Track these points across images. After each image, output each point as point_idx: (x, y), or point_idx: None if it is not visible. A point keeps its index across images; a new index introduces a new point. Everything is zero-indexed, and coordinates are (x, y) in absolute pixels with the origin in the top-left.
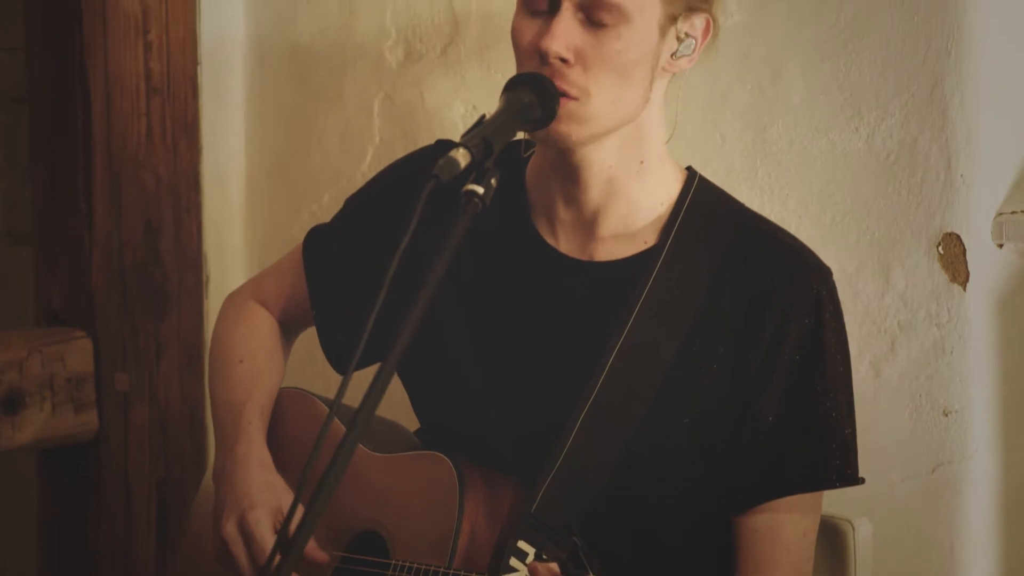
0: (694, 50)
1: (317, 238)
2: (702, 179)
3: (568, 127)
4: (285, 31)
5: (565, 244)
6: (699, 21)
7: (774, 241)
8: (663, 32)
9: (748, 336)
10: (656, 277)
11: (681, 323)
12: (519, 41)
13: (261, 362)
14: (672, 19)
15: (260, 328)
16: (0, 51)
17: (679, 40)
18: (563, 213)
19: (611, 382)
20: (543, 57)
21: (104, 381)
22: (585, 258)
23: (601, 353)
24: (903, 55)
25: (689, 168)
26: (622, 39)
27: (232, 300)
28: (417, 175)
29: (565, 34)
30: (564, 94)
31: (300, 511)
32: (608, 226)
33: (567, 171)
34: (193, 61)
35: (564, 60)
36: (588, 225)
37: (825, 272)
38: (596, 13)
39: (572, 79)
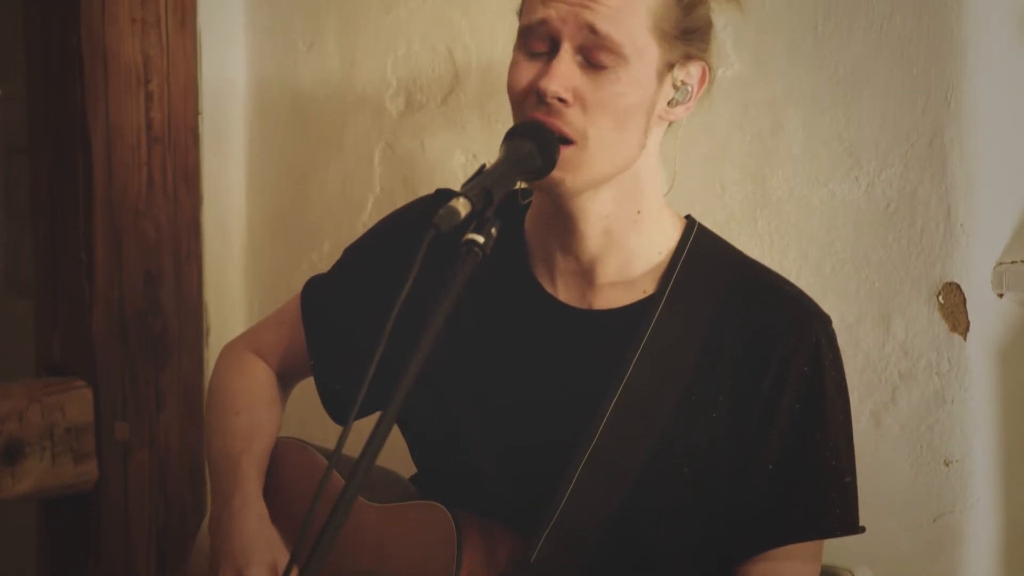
0: (690, 98)
1: (315, 289)
2: (701, 228)
3: (563, 173)
4: (286, 80)
5: (564, 293)
6: (695, 69)
7: (773, 289)
8: (660, 79)
9: (747, 384)
10: (655, 326)
11: (680, 372)
12: (516, 82)
13: (258, 414)
14: (669, 66)
15: (257, 380)
16: (0, 101)
17: (675, 88)
18: (561, 262)
19: (610, 431)
20: (541, 97)
21: (104, 431)
22: (584, 306)
23: (600, 402)
24: (903, 106)
25: (688, 217)
26: (621, 82)
27: (229, 351)
28: (417, 225)
29: (564, 75)
30: (561, 135)
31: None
32: (606, 275)
33: (564, 221)
34: (194, 111)
35: (562, 100)
36: (587, 274)
37: (824, 320)
38: (595, 55)
39: (570, 119)
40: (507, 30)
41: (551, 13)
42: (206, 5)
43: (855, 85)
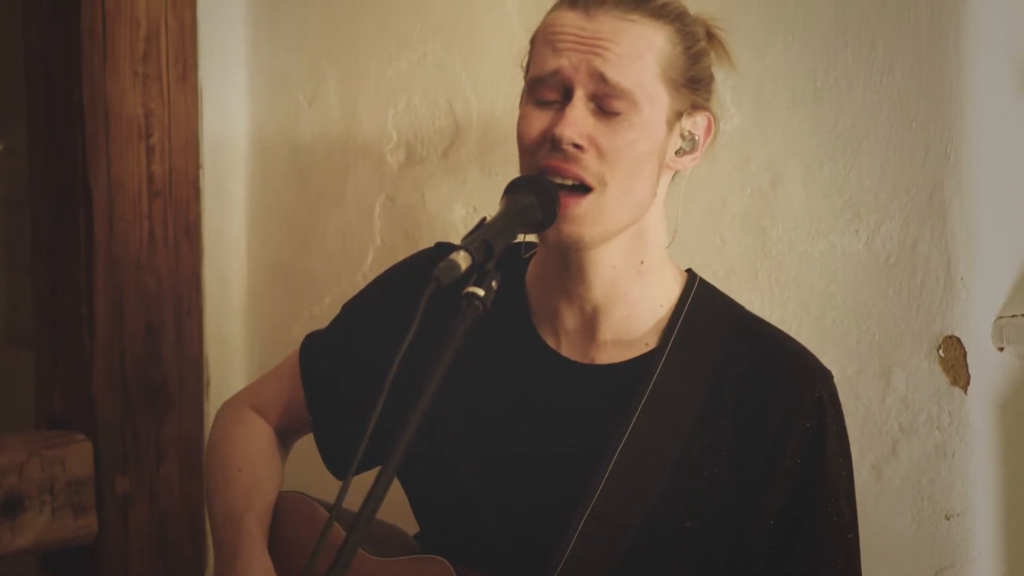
0: (696, 149)
1: (313, 345)
2: (702, 282)
3: (581, 227)
4: (286, 133)
5: (567, 347)
6: (701, 120)
7: (775, 344)
8: (670, 127)
9: (749, 440)
10: (657, 381)
11: (682, 426)
12: (529, 131)
13: (259, 471)
14: (678, 115)
15: (257, 437)
16: (1, 155)
17: (683, 138)
18: (565, 313)
19: (612, 486)
20: (555, 144)
21: (104, 484)
22: (587, 361)
23: (602, 456)
24: (902, 159)
25: (689, 271)
26: (634, 128)
27: (227, 409)
28: (417, 278)
29: (579, 122)
30: (580, 181)
31: None
32: (609, 329)
33: (571, 271)
34: (195, 164)
35: (577, 147)
36: (589, 327)
37: (826, 375)
38: (608, 102)
39: (586, 165)
40: (507, 84)
41: (563, 62)
42: (207, 59)
43: (855, 138)
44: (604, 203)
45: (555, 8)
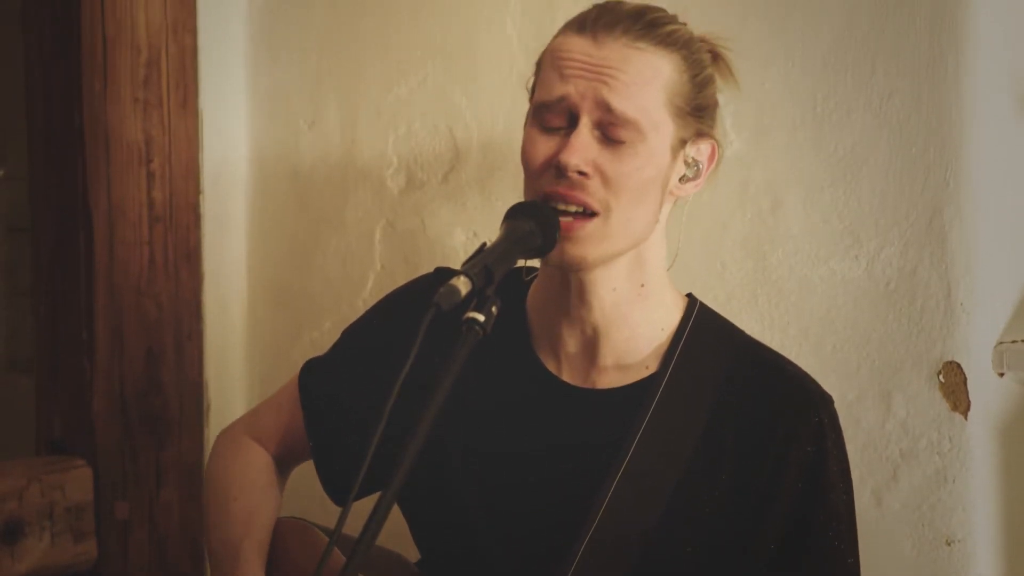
0: (699, 176)
1: (313, 372)
2: (703, 306)
3: (584, 248)
4: (287, 158)
5: (568, 372)
6: (705, 147)
7: (775, 369)
8: (674, 154)
9: (750, 465)
10: (657, 405)
11: (682, 450)
12: (532, 157)
13: (256, 498)
14: (682, 143)
15: (255, 464)
16: (2, 180)
17: (687, 164)
18: (567, 337)
19: (613, 510)
20: (560, 171)
21: (104, 510)
22: (587, 385)
23: (603, 480)
24: (902, 185)
25: (690, 295)
26: (639, 156)
27: (225, 437)
28: (417, 304)
29: (584, 149)
30: (585, 207)
31: None
32: (610, 353)
33: (573, 293)
34: (196, 189)
35: (582, 174)
36: (590, 350)
37: (827, 400)
38: (613, 130)
39: (592, 191)
40: (507, 109)
41: (570, 89)
42: (208, 84)
43: (855, 164)
44: (608, 228)
45: (563, 32)
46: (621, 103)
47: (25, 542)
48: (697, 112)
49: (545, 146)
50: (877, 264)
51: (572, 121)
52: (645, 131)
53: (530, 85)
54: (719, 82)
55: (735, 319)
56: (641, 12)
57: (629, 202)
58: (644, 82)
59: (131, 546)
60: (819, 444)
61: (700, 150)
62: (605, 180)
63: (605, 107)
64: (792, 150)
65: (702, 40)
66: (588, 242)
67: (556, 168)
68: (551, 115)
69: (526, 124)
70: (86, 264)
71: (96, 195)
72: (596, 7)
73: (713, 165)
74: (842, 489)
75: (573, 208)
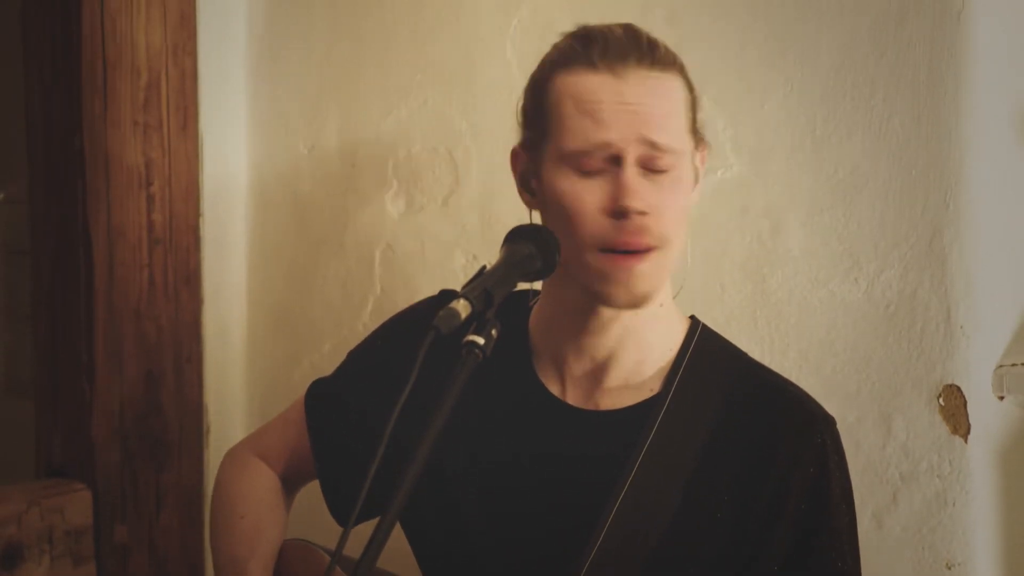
0: (698, 180)
1: (319, 393)
2: (705, 327)
3: (650, 283)
4: (287, 181)
5: (571, 394)
6: (699, 155)
7: (777, 391)
8: (694, 171)
9: (752, 486)
10: (660, 426)
11: (685, 471)
12: (581, 205)
13: (263, 518)
14: (692, 156)
15: (261, 484)
16: (2, 203)
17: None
18: (573, 361)
19: (615, 530)
20: (619, 215)
21: (103, 533)
22: (590, 407)
23: (606, 502)
24: (902, 207)
25: (692, 317)
26: (680, 181)
27: (232, 456)
28: (419, 326)
29: (640, 189)
30: (650, 249)
31: None
32: (618, 375)
33: (592, 321)
34: (195, 212)
35: (642, 213)
36: (597, 374)
37: (829, 422)
38: (655, 162)
39: (655, 231)
40: (507, 133)
41: (612, 135)
42: (208, 107)
43: (854, 186)
44: (666, 259)
45: (568, 71)
46: (662, 136)
47: (24, 566)
48: (696, 125)
49: (591, 192)
50: (877, 286)
51: (614, 162)
52: (682, 155)
53: (520, 119)
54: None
55: (735, 341)
56: (633, 35)
57: (681, 228)
58: (675, 111)
59: (130, 570)
60: (821, 465)
61: (701, 158)
62: (659, 214)
63: (649, 144)
64: (791, 172)
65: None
66: (652, 277)
67: (614, 213)
68: (589, 160)
69: (549, 170)
70: (86, 286)
71: (96, 217)
72: (582, 37)
73: (703, 167)
74: (844, 510)
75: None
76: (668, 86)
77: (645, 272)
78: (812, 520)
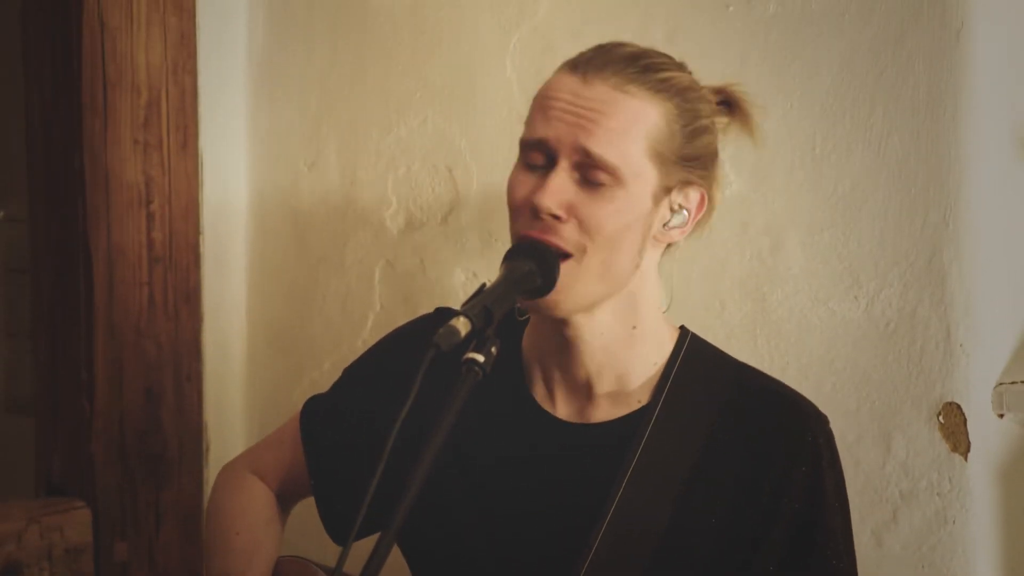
0: (687, 223)
1: (315, 409)
2: (694, 336)
3: (558, 295)
4: (287, 199)
5: (561, 408)
6: (694, 194)
7: (768, 392)
8: (656, 201)
9: (747, 488)
10: (649, 436)
11: (678, 479)
12: (513, 195)
13: (258, 534)
14: (667, 190)
15: (256, 500)
16: (2, 221)
17: (672, 211)
18: (559, 379)
19: (609, 541)
20: (535, 212)
21: (103, 551)
22: (581, 421)
23: (599, 514)
24: (901, 225)
25: (682, 327)
26: (616, 201)
27: (227, 472)
28: (417, 343)
29: (559, 191)
30: (558, 249)
31: None
32: (603, 388)
33: (561, 343)
34: (195, 230)
35: (556, 217)
36: (583, 389)
37: (822, 420)
38: (592, 173)
39: (566, 235)
40: (506, 150)
41: (550, 132)
42: (208, 126)
43: (854, 204)
44: (581, 271)
45: (558, 70)
46: (600, 148)
47: None
48: (685, 162)
49: (525, 184)
50: (877, 305)
51: (551, 161)
52: (624, 177)
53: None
54: (734, 132)
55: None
56: (638, 56)
57: (604, 245)
58: (626, 128)
59: None
60: (814, 464)
61: (688, 197)
62: (581, 223)
63: (583, 152)
64: (791, 190)
65: (716, 89)
66: (560, 288)
67: (531, 209)
68: (533, 153)
69: (517, 158)
70: (86, 305)
71: (96, 236)
72: (596, 47)
73: (703, 213)
74: (838, 508)
75: None
76: (634, 106)
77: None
78: (807, 519)
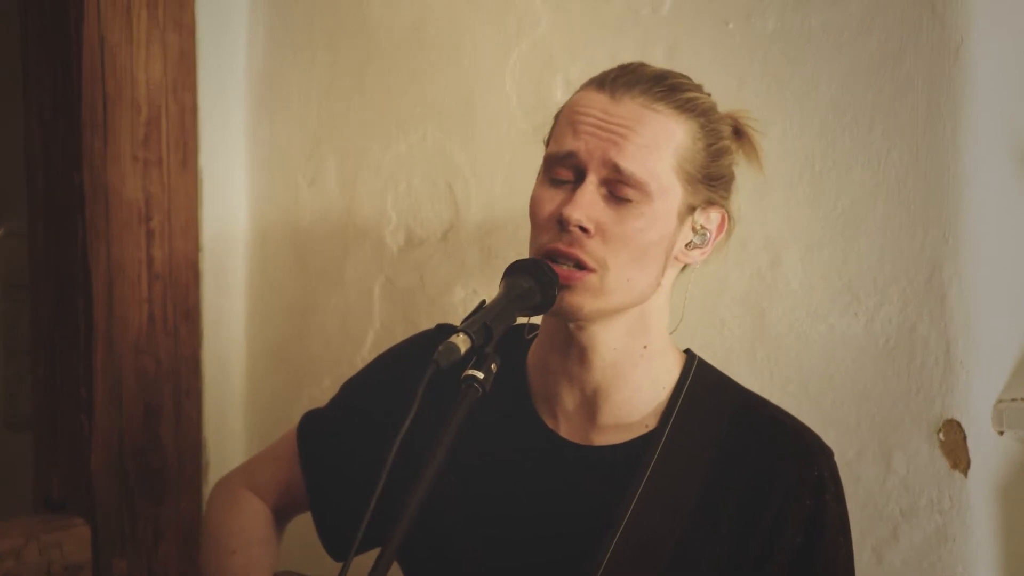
0: (707, 244)
1: (312, 425)
2: (701, 362)
3: (582, 298)
4: (286, 216)
5: (566, 428)
6: (715, 215)
7: (774, 423)
8: (681, 220)
9: (749, 518)
10: (656, 462)
11: (682, 507)
12: (539, 210)
13: (254, 552)
14: (691, 209)
15: (253, 517)
16: (2, 238)
17: (695, 231)
18: (566, 396)
19: (614, 566)
20: (563, 224)
21: (102, 568)
22: (586, 442)
23: (604, 537)
24: (901, 242)
25: (688, 351)
26: (643, 218)
27: (222, 488)
28: (416, 360)
29: (588, 205)
30: (581, 264)
31: None
32: (609, 412)
33: (574, 350)
34: (195, 247)
35: (584, 230)
36: (590, 409)
37: (827, 453)
38: (620, 189)
39: (590, 249)
40: (506, 166)
41: (580, 146)
42: (208, 143)
43: (853, 221)
44: (604, 284)
45: (583, 87)
46: (629, 164)
47: None
48: (709, 181)
49: (552, 199)
50: (876, 321)
51: (579, 176)
52: (652, 194)
53: (546, 138)
54: (741, 161)
55: (734, 375)
56: (663, 75)
57: (628, 261)
58: (656, 145)
59: None
60: (818, 497)
61: (710, 218)
62: (605, 238)
63: (613, 166)
64: (791, 207)
65: (729, 116)
66: (584, 292)
67: (559, 222)
68: (560, 168)
69: (538, 177)
70: (85, 321)
71: (95, 253)
72: (620, 66)
73: (723, 235)
74: (841, 543)
75: (570, 264)
76: (663, 123)
77: (576, 287)
78: (808, 552)
